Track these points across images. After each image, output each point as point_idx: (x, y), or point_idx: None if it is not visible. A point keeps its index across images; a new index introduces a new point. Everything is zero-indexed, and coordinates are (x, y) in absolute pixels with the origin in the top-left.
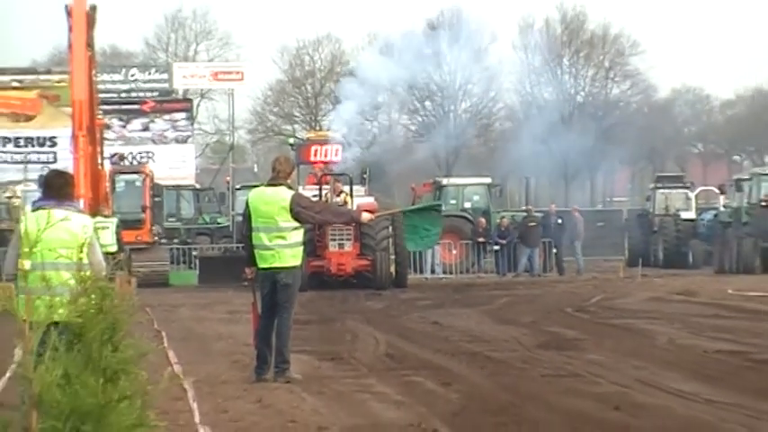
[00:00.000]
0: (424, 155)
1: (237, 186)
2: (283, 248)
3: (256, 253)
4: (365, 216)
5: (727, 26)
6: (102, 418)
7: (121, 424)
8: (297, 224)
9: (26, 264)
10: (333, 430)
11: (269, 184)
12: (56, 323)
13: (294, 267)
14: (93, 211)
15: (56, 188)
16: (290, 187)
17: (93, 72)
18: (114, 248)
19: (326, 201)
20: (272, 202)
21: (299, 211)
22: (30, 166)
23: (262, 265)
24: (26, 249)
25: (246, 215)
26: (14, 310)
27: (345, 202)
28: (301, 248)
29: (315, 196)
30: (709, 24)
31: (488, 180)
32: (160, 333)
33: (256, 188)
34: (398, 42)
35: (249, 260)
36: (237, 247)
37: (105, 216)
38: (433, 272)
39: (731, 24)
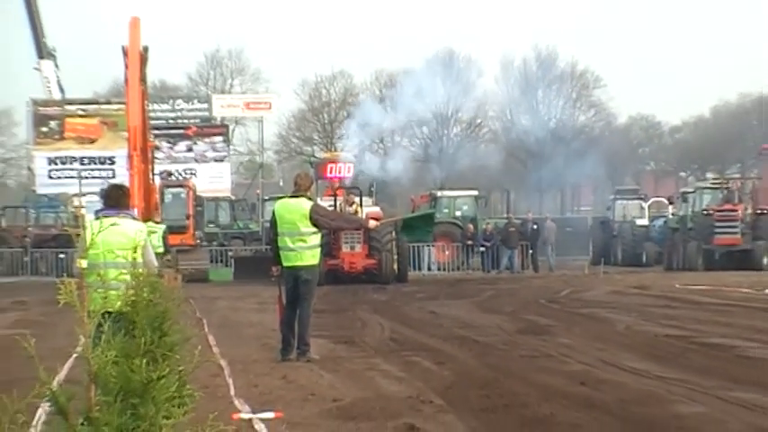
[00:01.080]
0: (422, 171)
1: (266, 198)
2: (304, 250)
3: (281, 254)
4: (372, 223)
5: (676, 64)
6: (146, 393)
7: (161, 397)
8: (315, 229)
9: (83, 263)
10: (346, 401)
11: (292, 196)
12: (110, 313)
13: (313, 266)
14: (146, 219)
15: (114, 199)
16: (309, 198)
17: (146, 102)
18: (161, 250)
19: (340, 210)
20: (294, 210)
21: (317, 218)
22: (92, 180)
23: (286, 263)
24: (87, 251)
25: (273, 222)
26: (75, 303)
27: (356, 212)
28: (319, 250)
29: (330, 206)
30: (661, 62)
31: (475, 192)
32: (201, 321)
33: (281, 199)
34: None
35: (275, 260)
36: (266, 249)
37: (156, 222)
38: (429, 269)
39: (679, 62)
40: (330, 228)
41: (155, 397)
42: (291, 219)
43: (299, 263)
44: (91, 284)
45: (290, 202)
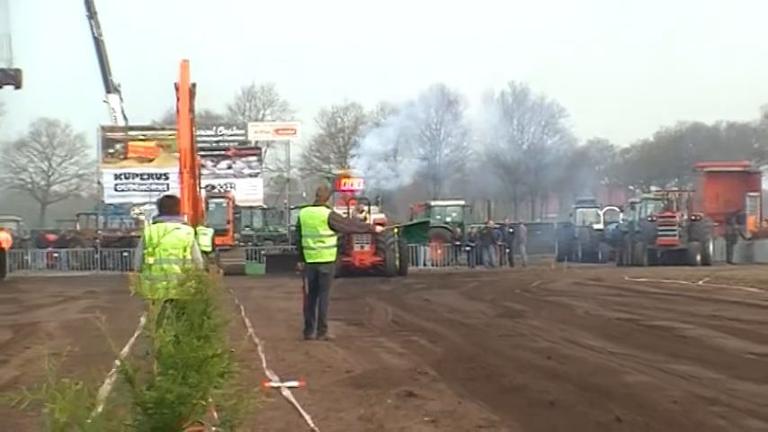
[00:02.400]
0: (419, 185)
1: (291, 207)
2: (323, 249)
3: (304, 252)
4: (378, 228)
5: (626, 97)
6: (201, 368)
7: (214, 371)
8: (332, 232)
9: (150, 259)
10: (356, 372)
11: (313, 205)
12: (170, 300)
13: (331, 262)
14: (194, 224)
15: (168, 207)
16: (327, 207)
17: (193, 128)
18: (209, 249)
19: (352, 217)
20: (315, 216)
21: (333, 223)
22: (150, 192)
23: (308, 260)
24: (148, 250)
25: (298, 226)
26: (141, 292)
27: (365, 218)
28: (335, 249)
29: (344, 213)
30: (614, 96)
31: (462, 202)
32: (239, 307)
33: (304, 207)
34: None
35: (300, 257)
36: (292, 248)
37: (205, 227)
38: (425, 265)
39: (628, 96)
40: (344, 232)
41: (208, 371)
42: (313, 223)
43: (319, 259)
44: (155, 277)
45: (312, 210)
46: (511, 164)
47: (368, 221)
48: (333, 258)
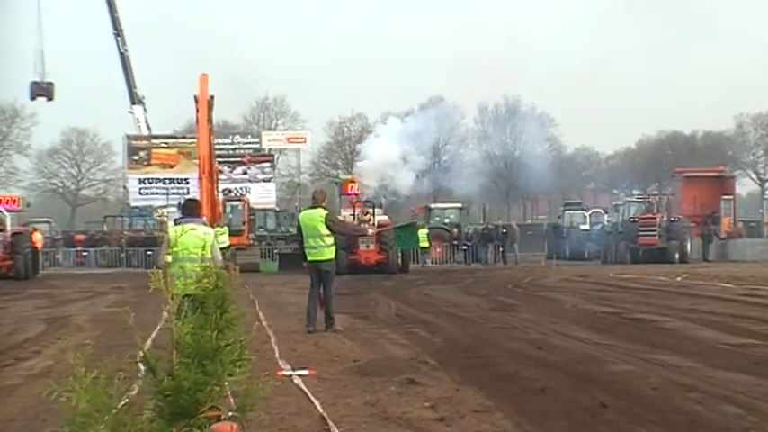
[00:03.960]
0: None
1: (302, 209)
2: (323, 248)
3: (306, 251)
4: (369, 231)
5: (610, 108)
6: (216, 357)
7: (227, 360)
8: (330, 232)
9: (168, 258)
10: (362, 361)
11: (311, 207)
12: (188, 295)
13: (331, 259)
14: (213, 224)
15: (189, 209)
16: (324, 208)
17: (212, 137)
18: (227, 244)
19: (357, 219)
20: (314, 218)
21: (329, 224)
22: (172, 196)
23: (310, 258)
24: (170, 249)
25: (299, 228)
26: (162, 288)
27: (369, 219)
28: (334, 247)
29: (351, 215)
30: (599, 107)
31: (459, 205)
32: (254, 301)
33: (304, 210)
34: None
35: (303, 256)
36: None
37: (221, 226)
38: (425, 263)
39: (612, 107)
40: (339, 233)
41: (222, 360)
42: (312, 224)
43: (320, 257)
44: (174, 274)
45: (310, 212)
46: (504, 170)
47: (372, 223)
48: (332, 256)
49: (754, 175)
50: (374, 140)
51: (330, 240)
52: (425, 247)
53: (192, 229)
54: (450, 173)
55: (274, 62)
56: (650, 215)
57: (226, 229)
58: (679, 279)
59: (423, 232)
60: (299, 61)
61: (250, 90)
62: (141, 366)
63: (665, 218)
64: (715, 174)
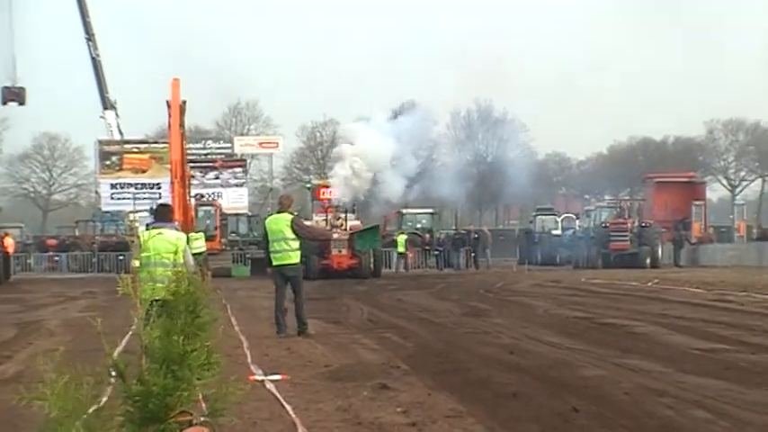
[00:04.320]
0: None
1: (268, 214)
2: (288, 252)
3: (272, 256)
4: (334, 236)
5: (580, 114)
6: (183, 361)
7: (195, 364)
8: (296, 236)
9: (136, 263)
10: (335, 366)
11: (278, 212)
12: (157, 300)
13: (296, 263)
14: (187, 230)
15: (161, 214)
16: (291, 213)
17: (184, 142)
18: (204, 249)
19: (329, 224)
20: (280, 222)
21: (296, 228)
22: (144, 201)
23: (275, 263)
24: (141, 253)
25: (265, 233)
26: (130, 293)
27: (341, 224)
28: (300, 252)
29: (323, 219)
30: (569, 112)
31: (432, 210)
32: (226, 306)
33: (270, 215)
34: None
35: (269, 262)
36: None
37: (197, 232)
38: (400, 268)
39: (583, 113)
40: (306, 237)
41: (190, 364)
42: (278, 228)
43: (285, 261)
44: (143, 279)
45: (276, 217)
46: (476, 175)
47: (345, 228)
48: (298, 260)
49: (724, 181)
50: (365, 128)
51: (296, 245)
52: (402, 253)
53: (162, 234)
54: (422, 178)
55: (251, 66)
56: (621, 220)
57: (201, 234)
58: (650, 284)
59: (402, 238)
60: (273, 66)
61: (227, 94)
62: (111, 372)
63: (636, 223)
64: (686, 179)
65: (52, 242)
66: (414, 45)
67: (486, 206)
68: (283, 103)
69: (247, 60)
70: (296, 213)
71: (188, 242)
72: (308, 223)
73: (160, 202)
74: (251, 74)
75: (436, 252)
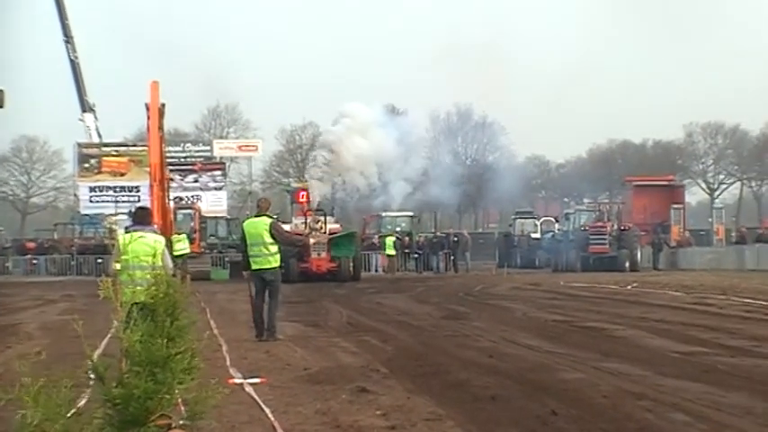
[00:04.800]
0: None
1: (246, 217)
2: (268, 256)
3: (250, 260)
4: (311, 241)
5: (560, 117)
6: (166, 365)
7: (178, 368)
8: (274, 240)
9: (116, 266)
10: (314, 369)
11: (256, 216)
12: (137, 303)
13: (275, 268)
14: (167, 233)
15: (140, 218)
16: (269, 217)
17: (163, 145)
18: (188, 251)
19: (308, 227)
20: (259, 226)
21: (273, 233)
22: (122, 204)
23: (254, 267)
24: (120, 257)
25: (243, 237)
26: (111, 296)
27: (321, 227)
28: (279, 255)
29: (302, 223)
30: (548, 115)
31: (411, 213)
32: (205, 309)
33: (248, 219)
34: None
35: (245, 266)
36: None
37: (179, 234)
38: (376, 271)
39: (562, 116)
40: (282, 243)
41: (172, 368)
42: (257, 232)
43: (265, 266)
44: (123, 282)
45: (255, 220)
46: (456, 177)
47: (324, 231)
48: (277, 264)
49: (703, 184)
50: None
51: (275, 249)
52: (392, 255)
53: (141, 237)
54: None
55: (231, 69)
56: (601, 224)
57: (184, 236)
58: (629, 287)
59: (390, 240)
60: (251, 69)
61: (207, 96)
62: (91, 375)
63: (615, 226)
64: (665, 182)
65: (31, 245)
66: (393, 48)
67: (465, 210)
68: (263, 107)
69: (227, 63)
70: (274, 217)
71: (170, 244)
72: (285, 227)
73: (139, 205)
74: (231, 77)
75: (416, 255)
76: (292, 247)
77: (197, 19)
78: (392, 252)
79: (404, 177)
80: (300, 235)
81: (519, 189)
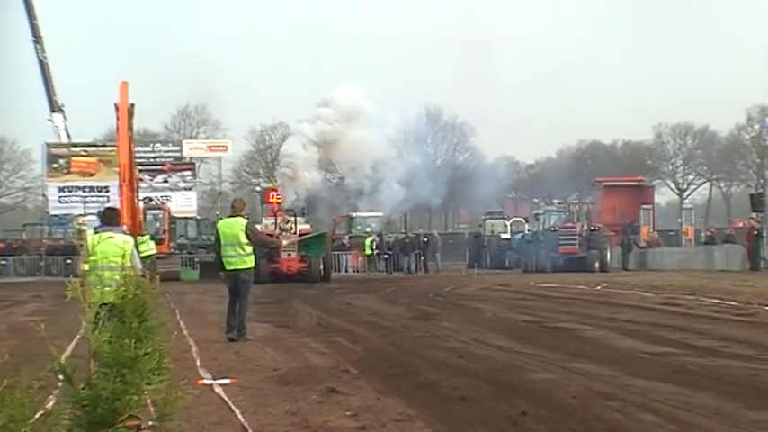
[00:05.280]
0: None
1: (220, 218)
2: (243, 256)
3: (224, 260)
4: (284, 243)
5: (529, 118)
6: (134, 365)
7: (146, 368)
8: (249, 241)
9: (85, 266)
10: (283, 370)
11: (230, 216)
12: (105, 304)
13: (250, 268)
14: (135, 234)
15: (109, 218)
16: (244, 217)
17: (132, 145)
18: (154, 252)
19: (278, 228)
20: (233, 226)
21: (248, 234)
22: (91, 204)
23: (228, 267)
24: (88, 257)
25: (217, 237)
26: (79, 297)
27: (291, 228)
28: (253, 256)
29: (272, 223)
30: (518, 116)
31: (381, 213)
32: (174, 310)
33: (222, 219)
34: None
35: (221, 266)
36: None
37: (143, 235)
38: (346, 271)
39: (531, 117)
40: (256, 244)
41: (140, 368)
42: (232, 233)
43: (240, 266)
44: (91, 282)
45: (230, 221)
46: (425, 178)
47: (294, 231)
48: (252, 265)
49: (672, 185)
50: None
51: (249, 249)
52: (370, 255)
53: (110, 238)
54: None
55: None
56: (570, 224)
57: (148, 237)
58: (599, 288)
59: (368, 240)
60: (220, 68)
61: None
62: (59, 376)
63: (585, 227)
64: (634, 183)
65: None
66: (364, 50)
67: (435, 210)
68: (233, 106)
69: (197, 63)
70: (248, 218)
71: (136, 246)
72: (258, 227)
73: (108, 205)
74: (200, 77)
75: (385, 256)
76: (265, 248)
77: (167, 20)
78: (370, 252)
79: (397, 179)
80: (272, 236)
81: (499, 189)
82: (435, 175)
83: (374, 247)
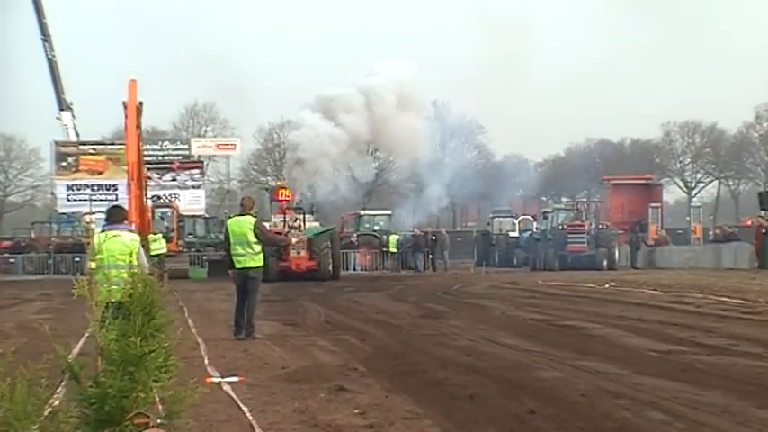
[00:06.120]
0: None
1: (230, 216)
2: (252, 255)
3: (234, 258)
4: (293, 240)
5: (538, 116)
6: (140, 363)
7: (152, 366)
8: (257, 239)
9: (92, 264)
10: (292, 368)
11: (239, 214)
12: (112, 302)
13: (259, 267)
14: (145, 232)
15: (116, 216)
16: (253, 215)
17: (141, 143)
18: (165, 251)
19: (288, 226)
20: (243, 224)
21: (257, 231)
22: (99, 202)
23: (238, 266)
24: (95, 255)
25: (227, 235)
26: (86, 295)
27: (299, 226)
28: (262, 254)
29: (281, 221)
30: (527, 115)
31: (389, 212)
32: (183, 308)
33: (232, 217)
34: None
35: (230, 264)
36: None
37: (155, 234)
38: (354, 269)
39: (540, 115)
40: (265, 243)
41: (147, 366)
42: (241, 231)
43: (249, 264)
44: (98, 281)
45: (239, 219)
46: (434, 176)
47: (284, 237)
48: (261, 263)
49: (681, 183)
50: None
51: (258, 248)
52: (394, 252)
53: (117, 236)
54: (380, 179)
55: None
56: (579, 222)
57: (160, 236)
58: (607, 286)
59: (393, 238)
60: (229, 67)
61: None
62: (66, 374)
63: (593, 225)
64: (642, 181)
65: (7, 244)
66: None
67: (444, 207)
68: (241, 104)
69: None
70: (257, 216)
71: (147, 244)
72: (266, 225)
73: (114, 203)
74: (209, 75)
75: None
76: (274, 246)
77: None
78: (395, 250)
79: (442, 182)
80: (281, 234)
81: (528, 188)
82: (473, 176)
83: (398, 246)
